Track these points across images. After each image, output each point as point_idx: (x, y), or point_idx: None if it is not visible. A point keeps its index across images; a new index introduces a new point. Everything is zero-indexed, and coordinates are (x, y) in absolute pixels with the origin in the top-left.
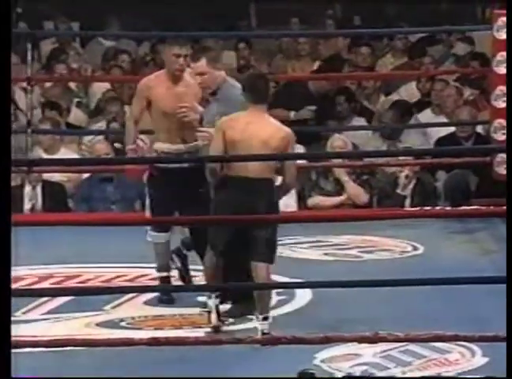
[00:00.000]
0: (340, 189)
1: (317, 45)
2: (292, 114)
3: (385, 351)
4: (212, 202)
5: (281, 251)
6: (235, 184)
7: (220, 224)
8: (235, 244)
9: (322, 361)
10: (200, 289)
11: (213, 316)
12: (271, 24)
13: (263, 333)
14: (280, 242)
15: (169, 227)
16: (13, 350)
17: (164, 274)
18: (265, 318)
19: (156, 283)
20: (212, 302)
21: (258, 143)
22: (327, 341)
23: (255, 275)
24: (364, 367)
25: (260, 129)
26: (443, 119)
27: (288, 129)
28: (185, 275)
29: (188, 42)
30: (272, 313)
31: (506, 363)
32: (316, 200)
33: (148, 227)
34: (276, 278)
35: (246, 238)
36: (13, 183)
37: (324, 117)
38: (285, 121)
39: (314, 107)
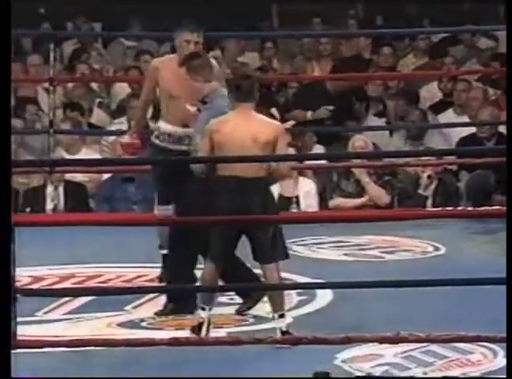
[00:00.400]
0: (361, 190)
1: (338, 45)
2: (309, 113)
3: (406, 352)
4: (205, 203)
5: (302, 251)
6: (228, 185)
7: (220, 226)
8: (234, 248)
9: (343, 361)
10: (224, 290)
11: (204, 328)
12: (293, 24)
13: (282, 332)
14: (300, 243)
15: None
16: (34, 350)
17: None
18: (281, 316)
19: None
20: (205, 314)
21: (247, 140)
22: (348, 341)
23: (266, 277)
24: (385, 367)
25: (248, 126)
26: (465, 119)
27: (277, 123)
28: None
29: (200, 29)
30: (293, 314)
31: (506, 363)
32: (337, 201)
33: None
34: (297, 278)
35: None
36: (35, 183)
37: (342, 116)
38: (302, 121)
39: (331, 107)
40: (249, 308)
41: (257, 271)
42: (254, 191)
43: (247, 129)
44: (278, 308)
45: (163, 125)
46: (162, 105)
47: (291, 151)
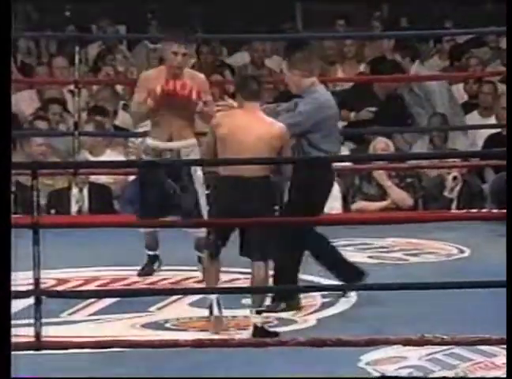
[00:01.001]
0: (383, 193)
1: (363, 47)
2: (352, 114)
3: (430, 354)
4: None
5: None
6: (229, 184)
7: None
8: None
9: (367, 363)
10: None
11: (217, 321)
12: (316, 26)
13: (255, 327)
14: None
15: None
16: (58, 351)
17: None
18: (259, 312)
19: (202, 285)
20: (216, 311)
21: (249, 136)
22: (372, 343)
23: (253, 274)
24: (409, 370)
25: (251, 123)
26: (490, 121)
27: (280, 125)
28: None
29: (188, 41)
30: (318, 316)
31: (506, 363)
32: (360, 205)
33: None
34: (321, 280)
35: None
36: (60, 185)
37: (387, 118)
38: (345, 122)
39: (373, 109)
40: (280, 310)
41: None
42: (253, 190)
43: (250, 125)
44: (257, 304)
45: (148, 141)
46: (150, 118)
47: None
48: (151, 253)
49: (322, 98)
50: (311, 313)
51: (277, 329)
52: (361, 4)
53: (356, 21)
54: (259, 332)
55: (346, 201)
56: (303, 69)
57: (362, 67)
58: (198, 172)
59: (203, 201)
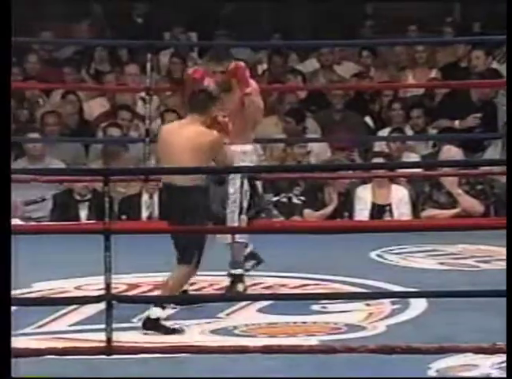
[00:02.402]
0: (453, 201)
1: (434, 53)
2: (457, 122)
3: (502, 363)
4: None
5: (397, 260)
6: (163, 191)
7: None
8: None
9: (437, 371)
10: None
11: None
12: (388, 31)
13: (148, 318)
14: (394, 251)
15: None
16: (124, 356)
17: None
18: (163, 307)
19: (270, 291)
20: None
21: (177, 144)
22: (442, 351)
23: (171, 275)
24: None
25: (183, 131)
26: None
27: (213, 133)
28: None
29: (226, 59)
30: (387, 323)
31: (506, 363)
32: (430, 212)
33: None
34: (391, 287)
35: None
36: (131, 192)
37: (488, 124)
38: (450, 130)
39: (479, 115)
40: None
41: None
42: (180, 197)
43: (179, 133)
44: (166, 299)
45: None
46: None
47: (379, 159)
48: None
49: None
50: (381, 319)
51: (346, 336)
52: (433, 9)
53: (428, 27)
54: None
55: (416, 208)
56: None
57: (433, 73)
58: (237, 179)
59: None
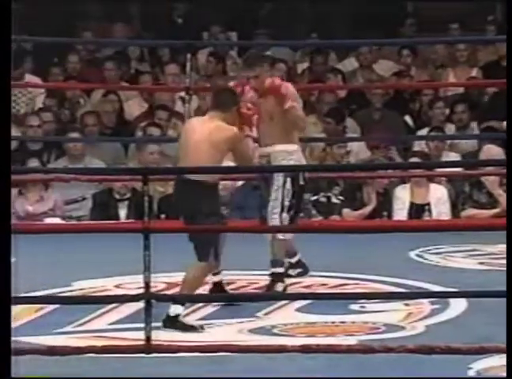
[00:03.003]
0: (494, 201)
1: (476, 51)
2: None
3: None
4: None
5: (436, 260)
6: (177, 185)
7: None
8: None
9: (478, 372)
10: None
11: None
12: (428, 30)
13: (167, 316)
14: (433, 251)
15: None
16: (163, 355)
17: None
18: (183, 304)
19: (309, 290)
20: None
21: (194, 138)
22: (482, 351)
23: (187, 272)
24: None
25: (202, 127)
26: None
27: (230, 128)
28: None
29: (259, 64)
30: (426, 323)
31: (506, 363)
32: (470, 212)
33: None
34: (431, 287)
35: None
36: (170, 191)
37: None
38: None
39: None
40: None
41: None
42: (194, 193)
43: (197, 128)
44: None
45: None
46: None
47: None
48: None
49: None
50: (420, 319)
51: (385, 335)
52: (475, 7)
53: (470, 25)
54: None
55: (455, 208)
56: None
57: (474, 72)
58: (280, 177)
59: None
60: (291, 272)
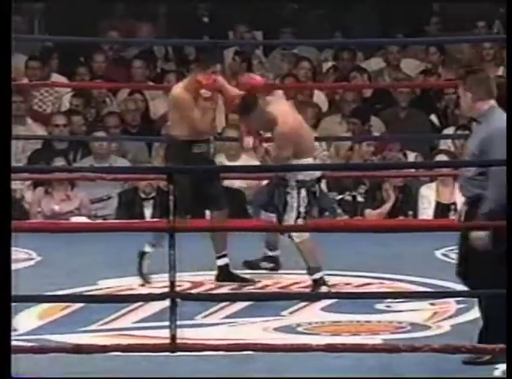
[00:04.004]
0: None
1: (502, 50)
2: None
3: None
4: None
5: None
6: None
7: None
8: None
9: (504, 372)
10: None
11: None
12: (455, 29)
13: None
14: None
15: None
16: (188, 353)
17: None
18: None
19: (334, 289)
20: None
21: None
22: None
23: None
24: None
25: None
26: None
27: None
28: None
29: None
30: (452, 322)
31: (506, 362)
32: None
33: None
34: (456, 286)
35: None
36: None
37: None
38: None
39: None
40: None
41: None
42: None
43: None
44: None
45: None
46: None
47: (444, 157)
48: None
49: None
50: (445, 319)
51: (410, 335)
52: (502, 6)
53: (496, 23)
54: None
55: None
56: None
57: (500, 70)
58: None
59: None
60: (263, 264)
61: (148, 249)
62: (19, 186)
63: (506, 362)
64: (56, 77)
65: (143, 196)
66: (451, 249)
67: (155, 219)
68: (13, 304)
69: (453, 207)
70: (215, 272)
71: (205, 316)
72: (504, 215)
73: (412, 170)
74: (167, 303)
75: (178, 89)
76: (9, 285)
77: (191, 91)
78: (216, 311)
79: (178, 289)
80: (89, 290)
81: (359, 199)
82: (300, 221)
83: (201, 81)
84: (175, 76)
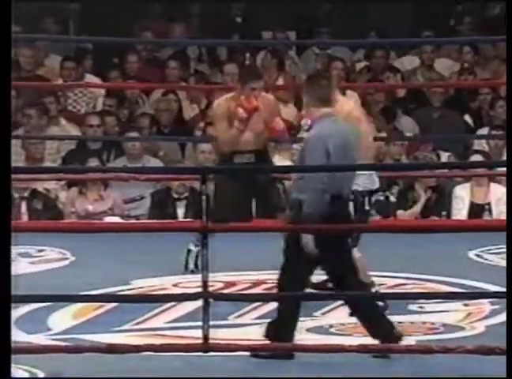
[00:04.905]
0: None
1: None
2: None
3: None
4: None
5: (496, 260)
6: None
7: None
8: None
9: None
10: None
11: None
12: (487, 28)
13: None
14: (493, 251)
15: None
16: (222, 353)
17: None
18: None
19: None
20: None
21: None
22: None
23: None
24: None
25: None
26: None
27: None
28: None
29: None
30: (486, 323)
31: (506, 363)
32: None
33: None
34: (490, 287)
35: None
36: None
37: None
38: None
39: None
40: None
41: None
42: None
43: None
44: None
45: None
46: None
47: (479, 157)
48: None
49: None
50: (480, 319)
51: (444, 336)
52: None
53: None
54: None
55: None
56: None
57: None
58: None
59: None
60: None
61: (192, 247)
62: (53, 186)
63: (506, 362)
64: (90, 78)
65: (176, 196)
66: (485, 250)
67: (188, 220)
68: (47, 304)
69: (487, 207)
70: (248, 272)
71: (238, 316)
72: (319, 219)
73: (446, 170)
74: (199, 303)
75: (221, 102)
76: (9, 285)
77: (231, 107)
78: (248, 311)
79: (210, 289)
80: (122, 290)
81: (392, 199)
82: None
83: (242, 103)
84: (209, 76)
